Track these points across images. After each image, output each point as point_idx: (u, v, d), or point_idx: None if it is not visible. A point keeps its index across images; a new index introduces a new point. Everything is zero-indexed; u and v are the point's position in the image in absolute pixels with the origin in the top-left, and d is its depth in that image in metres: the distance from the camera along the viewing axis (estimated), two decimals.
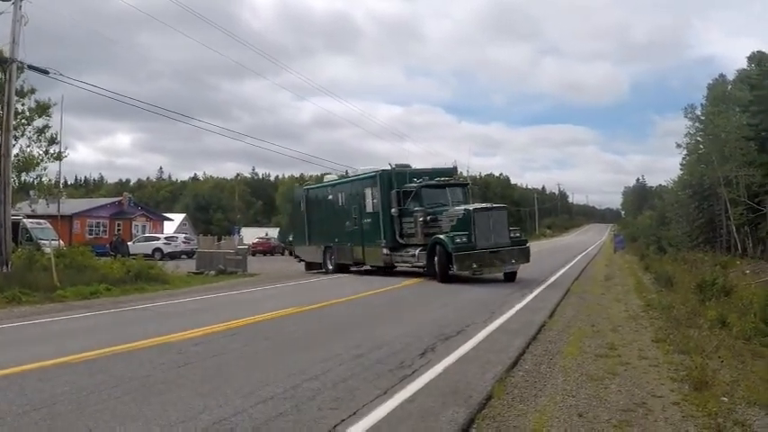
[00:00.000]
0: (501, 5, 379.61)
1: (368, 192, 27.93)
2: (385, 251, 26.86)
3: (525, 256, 24.19)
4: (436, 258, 23.42)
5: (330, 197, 31.47)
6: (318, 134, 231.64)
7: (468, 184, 28.65)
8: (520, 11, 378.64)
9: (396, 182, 26.50)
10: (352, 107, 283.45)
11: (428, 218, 24.63)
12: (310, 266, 33.31)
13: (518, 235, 24.66)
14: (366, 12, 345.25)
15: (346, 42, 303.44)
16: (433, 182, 26.20)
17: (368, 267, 29.46)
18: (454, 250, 22.37)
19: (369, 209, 27.80)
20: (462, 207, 24.14)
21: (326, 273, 30.69)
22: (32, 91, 29.50)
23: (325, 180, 34.90)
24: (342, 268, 30.54)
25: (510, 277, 23.47)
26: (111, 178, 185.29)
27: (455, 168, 29.91)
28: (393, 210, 26.09)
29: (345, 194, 30.13)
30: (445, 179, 26.73)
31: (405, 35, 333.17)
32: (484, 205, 24.85)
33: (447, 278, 22.89)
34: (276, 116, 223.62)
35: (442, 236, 23.19)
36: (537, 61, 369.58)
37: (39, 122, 30.01)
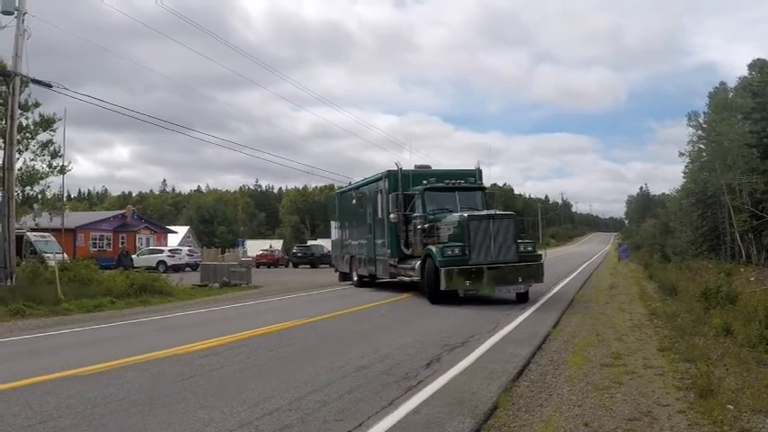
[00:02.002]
0: (493, 13, 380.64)
1: (378, 195, 25.31)
2: (391, 262, 24.24)
3: (536, 274, 19.94)
4: (425, 273, 20.37)
5: (354, 202, 28.87)
6: (319, 145, 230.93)
7: (484, 188, 24.18)
8: (512, 17, 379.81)
9: (403, 184, 23.19)
10: (349, 116, 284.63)
11: (426, 225, 21.45)
12: (345, 277, 31.55)
13: (529, 249, 20.44)
14: (359, 21, 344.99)
15: (340, 52, 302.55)
16: (439, 184, 22.65)
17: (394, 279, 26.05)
18: (442, 264, 19.23)
19: (378, 215, 25.24)
20: (458, 214, 20.65)
21: (353, 284, 29.22)
22: (37, 105, 29.67)
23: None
24: (363, 280, 28.33)
25: (522, 297, 19.73)
26: (112, 191, 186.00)
27: (479, 171, 25.10)
28: (392, 216, 23.06)
29: (363, 199, 27.40)
30: (458, 182, 22.91)
31: (399, 44, 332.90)
32: (483, 212, 20.84)
33: (436, 297, 19.70)
34: (275, 127, 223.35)
35: (433, 247, 20.04)
36: (532, 68, 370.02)
37: (42, 136, 30.20)
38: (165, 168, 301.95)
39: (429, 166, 26.09)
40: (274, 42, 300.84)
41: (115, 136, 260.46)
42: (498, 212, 20.79)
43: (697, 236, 63.89)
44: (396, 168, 24.00)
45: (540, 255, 21.32)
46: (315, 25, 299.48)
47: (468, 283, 19.18)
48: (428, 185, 22.53)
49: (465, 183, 23.25)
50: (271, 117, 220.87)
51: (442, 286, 19.16)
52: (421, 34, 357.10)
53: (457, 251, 19.33)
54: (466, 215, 20.06)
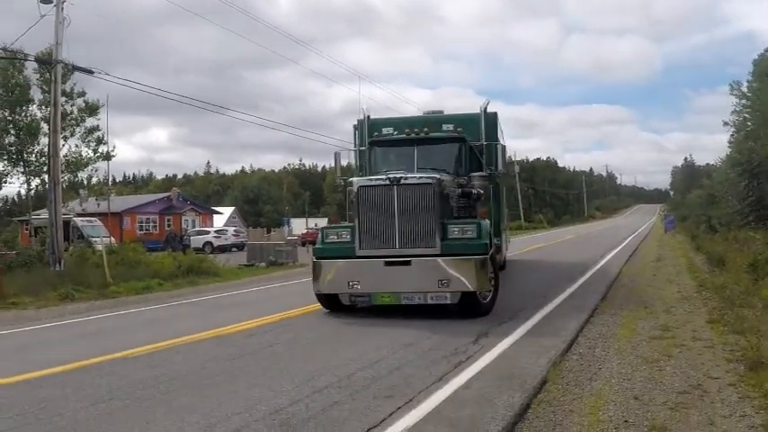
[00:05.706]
0: None
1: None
2: None
3: (477, 274, 11.86)
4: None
5: None
6: (353, 121, 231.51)
7: (463, 138, 15.60)
8: None
9: (369, 137, 16.74)
10: (383, 91, 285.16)
11: (354, 197, 13.31)
12: None
13: (468, 234, 12.23)
14: None
15: (369, 28, 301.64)
16: (392, 136, 16.28)
17: None
18: (316, 254, 13.12)
19: None
20: (366, 178, 14.05)
21: None
22: (82, 94, 29.98)
23: None
24: None
25: (471, 309, 12.16)
26: (155, 174, 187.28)
27: (486, 115, 17.14)
28: (337, 179, 17.73)
29: None
30: (422, 130, 15.45)
31: (427, 17, 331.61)
32: (383, 176, 13.13)
33: (321, 301, 13.60)
34: (310, 106, 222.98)
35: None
36: (562, 40, 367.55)
37: (88, 122, 30.55)
38: (204, 150, 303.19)
39: (441, 112, 18.62)
40: (301, 21, 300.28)
41: (151, 119, 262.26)
42: (411, 176, 12.99)
43: (743, 206, 62.95)
44: (363, 116, 17.69)
45: (486, 244, 12.47)
46: (341, 1, 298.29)
47: (355, 284, 12.50)
48: (375, 137, 16.36)
49: (443, 133, 16.01)
50: (305, 95, 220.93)
51: (317, 287, 13.04)
52: (448, 7, 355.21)
53: (345, 236, 12.99)
54: (358, 182, 13.38)
